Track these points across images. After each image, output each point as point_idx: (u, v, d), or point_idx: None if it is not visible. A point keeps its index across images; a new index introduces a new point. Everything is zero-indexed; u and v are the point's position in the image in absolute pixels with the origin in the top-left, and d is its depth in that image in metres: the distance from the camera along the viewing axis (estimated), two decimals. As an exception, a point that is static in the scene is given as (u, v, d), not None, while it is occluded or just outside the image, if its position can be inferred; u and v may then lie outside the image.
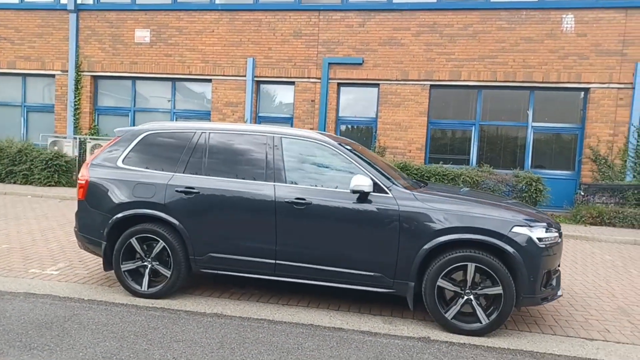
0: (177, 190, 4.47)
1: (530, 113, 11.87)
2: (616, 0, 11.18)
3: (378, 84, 12.29)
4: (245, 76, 12.87)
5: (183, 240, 4.47)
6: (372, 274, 4.15)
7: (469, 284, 3.97)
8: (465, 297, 3.99)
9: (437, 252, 4.03)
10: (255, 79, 12.88)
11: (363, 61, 12.21)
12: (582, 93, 11.62)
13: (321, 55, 12.49)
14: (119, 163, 4.74)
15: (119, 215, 4.54)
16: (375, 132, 12.46)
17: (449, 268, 3.96)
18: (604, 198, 10.83)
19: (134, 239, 4.52)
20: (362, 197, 4.14)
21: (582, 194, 11.00)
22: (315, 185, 4.32)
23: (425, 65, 11.99)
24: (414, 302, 4.11)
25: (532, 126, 11.85)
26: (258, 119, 13.18)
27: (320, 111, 12.46)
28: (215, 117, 13.09)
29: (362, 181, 4.04)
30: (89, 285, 4.84)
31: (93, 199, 4.69)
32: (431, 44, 11.96)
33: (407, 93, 12.09)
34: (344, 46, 12.38)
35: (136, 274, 4.62)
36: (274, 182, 4.36)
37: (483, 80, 11.78)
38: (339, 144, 4.50)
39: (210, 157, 4.58)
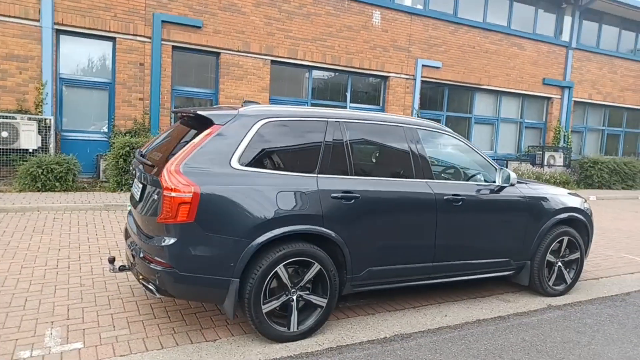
0: (333, 197, 3.49)
1: (348, 95, 13.36)
2: (404, 5, 13.72)
3: (219, 53, 11.21)
4: (38, 21, 9.38)
5: (344, 257, 3.57)
6: (503, 259, 4.45)
7: (561, 253, 4.83)
8: (557, 266, 4.83)
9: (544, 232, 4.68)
10: (56, 26, 9.58)
11: (202, 24, 10.86)
12: (383, 80, 13.86)
13: (151, 9, 10.37)
14: (234, 164, 3.26)
15: (263, 237, 3.20)
16: (214, 106, 11.41)
17: (554, 243, 4.70)
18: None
19: (281, 266, 3.30)
20: (500, 188, 4.34)
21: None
22: (457, 179, 4.22)
23: (266, 39, 11.69)
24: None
25: (349, 107, 13.38)
26: (60, 81, 9.91)
27: (152, 78, 10.44)
28: (-10, 74, 9.10)
29: (514, 175, 4.26)
30: (179, 349, 3.21)
31: (211, 221, 3.10)
32: (271, 18, 11.71)
33: (249, 66, 11.53)
34: (179, 3, 10.65)
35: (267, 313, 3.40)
36: (424, 178, 4.00)
37: (315, 61, 12.43)
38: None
39: (352, 152, 3.73)
